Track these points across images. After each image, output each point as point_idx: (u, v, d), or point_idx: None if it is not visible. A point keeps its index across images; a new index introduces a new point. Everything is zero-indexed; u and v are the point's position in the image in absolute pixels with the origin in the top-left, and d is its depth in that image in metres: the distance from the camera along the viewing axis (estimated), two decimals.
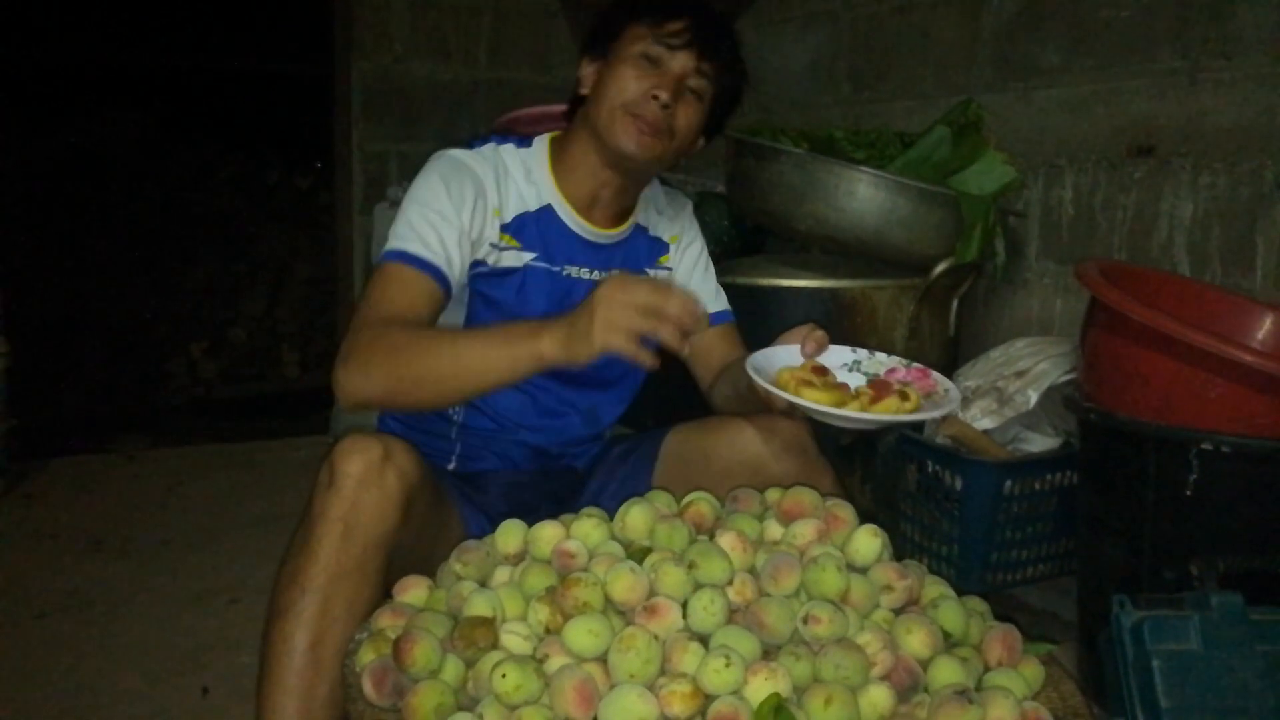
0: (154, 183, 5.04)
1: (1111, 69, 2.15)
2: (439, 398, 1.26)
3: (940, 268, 2.01)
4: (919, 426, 1.94)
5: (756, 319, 1.56)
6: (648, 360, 1.12)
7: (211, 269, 4.98)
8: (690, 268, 1.59)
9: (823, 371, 1.31)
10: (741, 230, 2.56)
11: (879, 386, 1.28)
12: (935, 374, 1.33)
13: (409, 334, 1.23)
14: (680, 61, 1.36)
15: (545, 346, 1.15)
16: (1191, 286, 1.76)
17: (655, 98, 1.34)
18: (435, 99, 3.57)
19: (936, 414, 1.27)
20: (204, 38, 5.79)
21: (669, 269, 1.57)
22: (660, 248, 1.57)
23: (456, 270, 1.34)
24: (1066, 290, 2.27)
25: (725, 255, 2.34)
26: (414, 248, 1.30)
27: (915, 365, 1.36)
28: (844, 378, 1.34)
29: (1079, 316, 1.60)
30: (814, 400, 1.22)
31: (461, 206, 1.34)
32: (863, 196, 1.98)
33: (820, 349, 1.35)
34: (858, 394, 1.27)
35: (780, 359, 1.34)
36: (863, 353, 1.38)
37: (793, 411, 1.27)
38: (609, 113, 1.36)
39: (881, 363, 1.37)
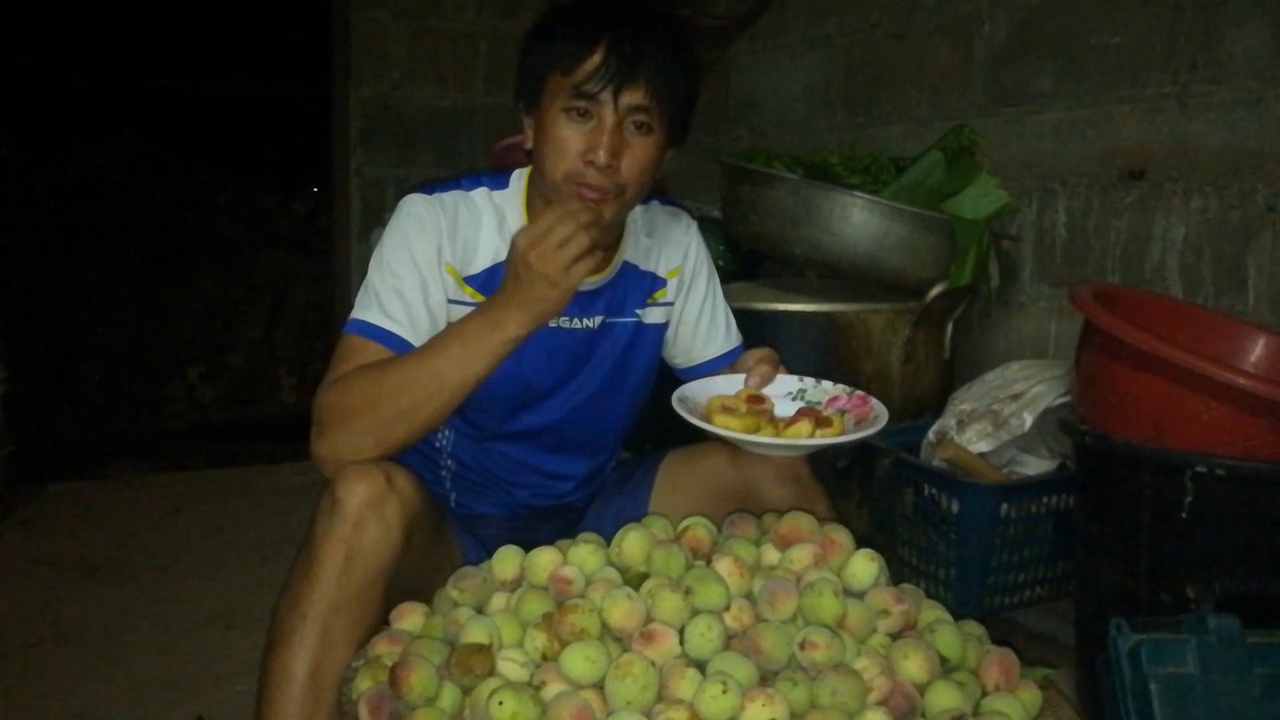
0: (152, 207, 5.07)
1: (1103, 94, 2.17)
2: (429, 421, 1.20)
3: (935, 291, 2.02)
4: (915, 450, 1.95)
5: (752, 343, 1.57)
6: (590, 241, 1.16)
7: (209, 293, 4.99)
8: (697, 308, 1.50)
9: (759, 400, 1.31)
10: (737, 255, 2.57)
11: (802, 413, 1.28)
12: (874, 400, 1.33)
13: (374, 377, 1.19)
14: (609, 106, 1.20)
15: (512, 330, 1.18)
16: (1184, 309, 1.76)
17: (591, 163, 1.21)
18: (432, 125, 3.60)
19: (852, 437, 1.25)
20: (203, 62, 5.83)
21: (668, 303, 1.48)
22: (654, 283, 1.45)
23: (425, 335, 1.26)
24: (1060, 313, 2.28)
25: (721, 280, 2.35)
26: (375, 318, 1.25)
27: (858, 393, 1.35)
28: (785, 406, 1.33)
29: (1073, 339, 1.60)
30: (724, 426, 1.22)
31: (424, 265, 1.27)
32: (857, 221, 1.99)
33: (764, 383, 1.34)
34: (775, 421, 1.27)
35: (719, 388, 1.35)
36: (809, 381, 1.37)
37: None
38: (552, 186, 1.25)
39: (826, 391, 1.36)
